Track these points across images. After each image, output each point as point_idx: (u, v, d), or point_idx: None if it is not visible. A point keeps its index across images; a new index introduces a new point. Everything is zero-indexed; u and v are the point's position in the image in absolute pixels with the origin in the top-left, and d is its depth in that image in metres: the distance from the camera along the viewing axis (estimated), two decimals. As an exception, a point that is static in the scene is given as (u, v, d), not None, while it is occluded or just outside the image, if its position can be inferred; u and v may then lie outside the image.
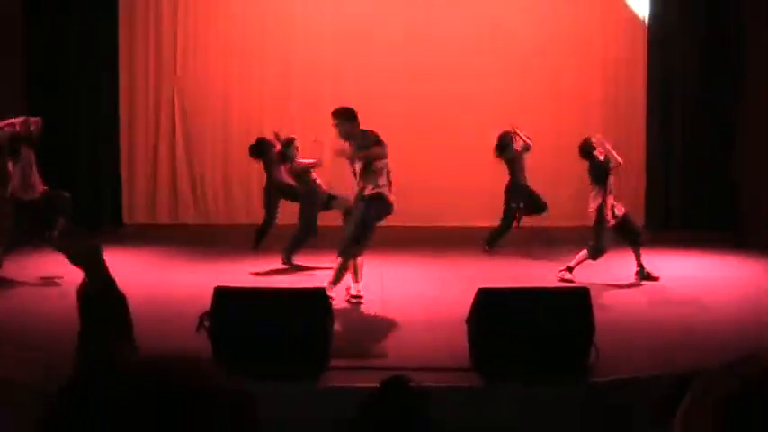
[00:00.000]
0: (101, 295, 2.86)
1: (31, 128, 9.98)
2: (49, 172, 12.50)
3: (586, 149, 9.90)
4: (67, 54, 14.30)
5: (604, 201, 9.66)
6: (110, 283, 2.95)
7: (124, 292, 2.94)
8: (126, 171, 15.01)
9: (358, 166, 8.56)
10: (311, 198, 10.95)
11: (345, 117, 8.70)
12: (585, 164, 10.03)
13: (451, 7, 15.04)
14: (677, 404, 1.15)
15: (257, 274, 10.08)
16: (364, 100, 14.77)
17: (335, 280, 8.38)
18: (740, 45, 14.09)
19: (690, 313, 8.20)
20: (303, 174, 11.01)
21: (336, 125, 8.70)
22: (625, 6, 15.05)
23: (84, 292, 2.88)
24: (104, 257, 3.15)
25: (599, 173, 9.74)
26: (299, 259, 10.75)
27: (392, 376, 3.57)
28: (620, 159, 9.84)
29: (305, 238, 10.85)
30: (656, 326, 7.71)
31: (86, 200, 14.08)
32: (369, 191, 8.50)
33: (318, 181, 11.14)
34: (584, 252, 9.75)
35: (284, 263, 10.66)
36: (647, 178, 14.86)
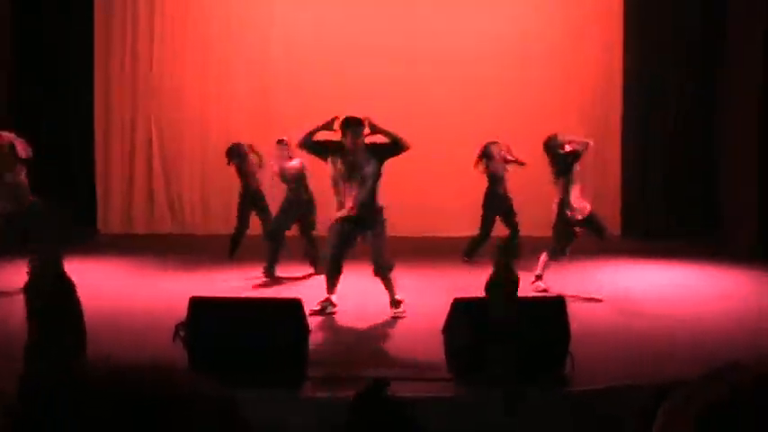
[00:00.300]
0: (50, 282, 2.82)
1: (22, 155, 9.98)
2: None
3: (552, 145, 9.75)
4: (43, 65, 14.24)
5: (566, 195, 9.58)
6: (60, 271, 2.91)
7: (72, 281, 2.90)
8: (102, 180, 14.94)
9: (355, 178, 8.41)
10: (289, 209, 10.87)
11: (359, 127, 8.47)
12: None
13: (435, 22, 15.07)
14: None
15: (234, 283, 10.04)
16: (345, 114, 14.82)
17: (394, 299, 8.43)
18: (720, 51, 14.21)
19: (667, 323, 8.23)
20: (297, 179, 10.88)
21: (352, 135, 8.42)
22: (600, 18, 15.13)
23: (33, 282, 2.84)
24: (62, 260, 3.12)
25: (562, 164, 9.60)
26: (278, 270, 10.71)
27: (372, 381, 3.55)
28: (587, 140, 9.84)
29: (277, 250, 10.79)
30: (632, 335, 7.73)
31: (61, 208, 14.06)
32: (379, 204, 8.51)
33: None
34: (544, 255, 9.70)
35: (266, 276, 10.58)
36: (625, 187, 14.94)
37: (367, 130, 8.53)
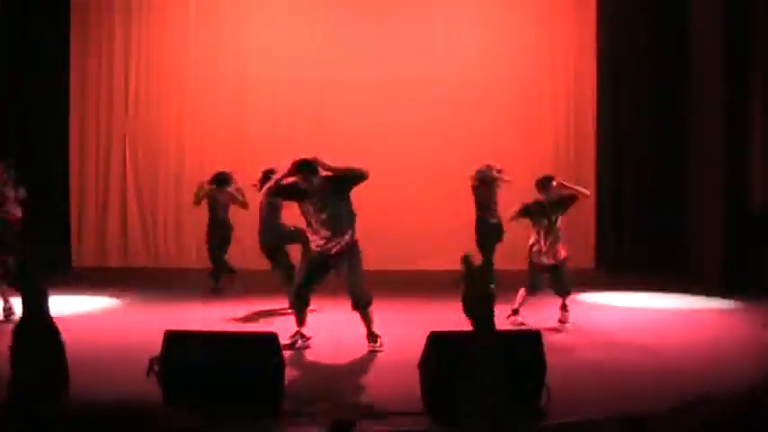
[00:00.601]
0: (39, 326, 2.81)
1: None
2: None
3: (543, 184, 9.81)
4: (18, 95, 14.22)
5: (537, 240, 9.68)
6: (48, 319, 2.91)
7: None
8: (76, 214, 14.89)
9: (324, 214, 8.36)
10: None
11: (313, 169, 8.37)
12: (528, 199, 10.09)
13: (413, 50, 15.20)
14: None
15: (209, 316, 9.99)
16: (320, 142, 14.87)
17: (371, 332, 8.43)
18: (686, 86, 14.40)
19: (640, 355, 8.26)
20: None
21: (307, 179, 8.32)
22: (575, 41, 15.31)
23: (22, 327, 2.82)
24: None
25: (537, 211, 9.71)
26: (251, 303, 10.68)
27: (339, 421, 3.56)
28: (585, 192, 9.93)
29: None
30: (607, 368, 7.75)
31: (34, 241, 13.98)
32: (353, 237, 8.46)
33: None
34: (521, 290, 9.76)
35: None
36: (598, 220, 15.06)
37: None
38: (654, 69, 14.76)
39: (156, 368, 6.12)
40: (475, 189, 12.11)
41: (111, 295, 11.70)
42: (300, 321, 8.49)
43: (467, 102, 15.14)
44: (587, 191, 10.11)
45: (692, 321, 10.24)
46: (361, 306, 8.33)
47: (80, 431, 1.24)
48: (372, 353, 8.27)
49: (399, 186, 14.78)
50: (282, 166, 8.46)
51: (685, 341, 8.98)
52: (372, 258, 14.17)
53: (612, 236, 14.97)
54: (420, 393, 6.33)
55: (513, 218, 9.90)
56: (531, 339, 6.50)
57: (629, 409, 6.09)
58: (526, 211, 9.73)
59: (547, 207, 9.67)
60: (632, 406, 6.23)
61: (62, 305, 10.00)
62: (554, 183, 9.77)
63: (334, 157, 13.92)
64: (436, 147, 14.99)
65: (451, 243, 13.78)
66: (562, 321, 9.63)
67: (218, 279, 11.86)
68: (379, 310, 10.40)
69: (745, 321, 10.19)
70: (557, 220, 9.70)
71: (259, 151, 14.98)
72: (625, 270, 14.29)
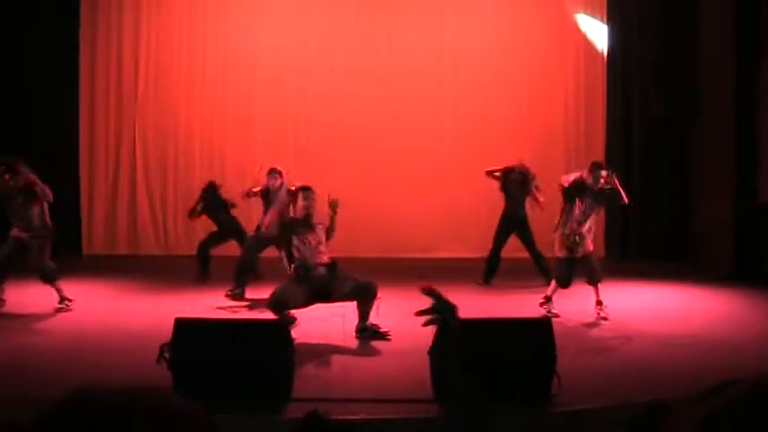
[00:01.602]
0: None
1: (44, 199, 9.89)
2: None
3: (593, 168, 9.69)
4: (28, 83, 14.25)
5: (560, 229, 9.61)
6: None
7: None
8: (86, 202, 14.92)
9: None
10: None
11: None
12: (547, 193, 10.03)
13: (424, 40, 15.16)
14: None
15: (219, 304, 10.00)
16: (330, 130, 14.90)
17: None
18: (697, 73, 14.33)
19: (651, 344, 8.25)
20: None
21: (309, 200, 8.70)
22: (586, 38, 15.26)
23: None
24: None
25: (578, 189, 9.58)
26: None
27: (310, 411, 3.54)
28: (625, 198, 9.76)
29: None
30: (616, 356, 7.75)
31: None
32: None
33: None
34: (553, 281, 9.72)
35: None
36: (607, 209, 15.00)
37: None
38: (665, 55, 14.68)
39: (166, 355, 6.13)
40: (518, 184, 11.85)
41: (120, 283, 11.72)
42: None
43: (478, 90, 15.11)
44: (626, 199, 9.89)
45: (703, 310, 10.20)
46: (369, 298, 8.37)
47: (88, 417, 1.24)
48: (381, 340, 8.28)
49: (412, 175, 14.79)
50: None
51: (697, 329, 8.95)
52: (387, 246, 14.33)
53: (622, 226, 14.91)
54: (430, 380, 6.33)
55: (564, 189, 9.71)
56: (542, 327, 6.49)
57: (638, 398, 6.10)
58: (570, 189, 9.57)
59: (591, 191, 9.52)
60: (643, 394, 6.23)
61: (73, 293, 10.03)
62: (603, 172, 9.62)
63: (346, 148, 14.02)
64: (451, 136, 14.97)
65: (466, 231, 13.80)
66: (603, 318, 9.37)
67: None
68: (392, 298, 10.43)
69: (758, 309, 10.16)
70: (595, 211, 9.62)
71: (268, 137, 15.02)
72: (635, 259, 14.26)
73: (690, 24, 14.40)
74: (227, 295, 10.46)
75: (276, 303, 7.96)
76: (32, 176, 9.81)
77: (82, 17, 14.84)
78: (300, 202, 8.86)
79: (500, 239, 11.82)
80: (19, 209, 9.74)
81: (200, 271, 11.96)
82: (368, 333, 8.34)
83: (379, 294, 8.58)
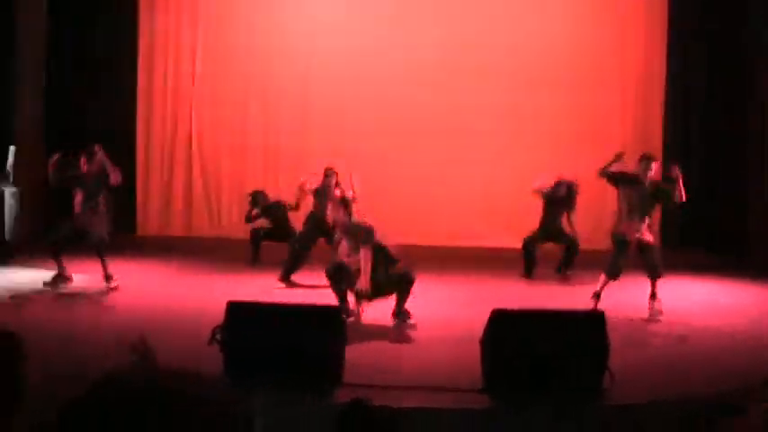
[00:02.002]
0: None
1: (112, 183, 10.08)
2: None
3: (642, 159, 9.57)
4: (87, 66, 14.47)
5: (619, 217, 9.49)
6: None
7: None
8: (142, 184, 15.08)
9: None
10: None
11: None
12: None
13: (463, 34, 15.06)
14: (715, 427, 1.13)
15: (272, 288, 10.06)
16: (385, 114, 14.89)
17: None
18: (755, 69, 14.07)
19: (703, 339, 8.13)
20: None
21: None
22: (642, 24, 15.06)
23: None
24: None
25: (628, 180, 9.45)
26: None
27: (353, 400, 3.54)
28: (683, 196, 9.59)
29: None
30: (670, 351, 7.65)
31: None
32: None
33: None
34: (602, 275, 9.54)
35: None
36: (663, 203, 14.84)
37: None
38: (724, 53, 14.44)
39: (218, 337, 6.18)
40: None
41: (174, 264, 11.83)
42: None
43: (528, 83, 14.95)
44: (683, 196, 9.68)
45: (758, 305, 10.02)
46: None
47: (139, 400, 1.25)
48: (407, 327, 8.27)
49: (459, 167, 14.74)
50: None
51: (752, 325, 8.80)
52: (439, 234, 14.32)
53: (677, 217, 14.72)
54: (481, 370, 6.30)
55: (603, 172, 9.59)
56: (594, 320, 6.43)
57: (692, 394, 6.02)
58: (616, 177, 9.48)
59: (642, 184, 9.36)
60: (696, 390, 6.15)
61: (128, 273, 10.16)
62: (653, 164, 9.45)
63: (402, 138, 14.01)
64: (503, 131, 14.87)
65: (515, 221, 13.71)
66: (658, 312, 9.12)
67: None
68: (442, 286, 10.43)
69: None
70: (651, 204, 9.51)
71: (324, 122, 15.02)
72: (689, 252, 14.07)
73: (749, 18, 14.13)
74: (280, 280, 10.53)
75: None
76: (105, 160, 9.97)
77: (141, 5, 14.97)
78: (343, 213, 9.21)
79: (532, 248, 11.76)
80: (90, 191, 9.90)
81: (252, 254, 12.05)
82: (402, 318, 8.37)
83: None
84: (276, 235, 12.07)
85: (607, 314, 6.54)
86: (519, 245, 11.88)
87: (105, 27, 14.64)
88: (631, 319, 8.88)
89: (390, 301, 8.44)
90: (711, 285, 11.31)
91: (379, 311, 8.69)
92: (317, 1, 15.17)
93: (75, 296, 9.46)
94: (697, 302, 10.04)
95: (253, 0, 15.24)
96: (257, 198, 12.31)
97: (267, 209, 12.22)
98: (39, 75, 14.06)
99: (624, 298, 9.69)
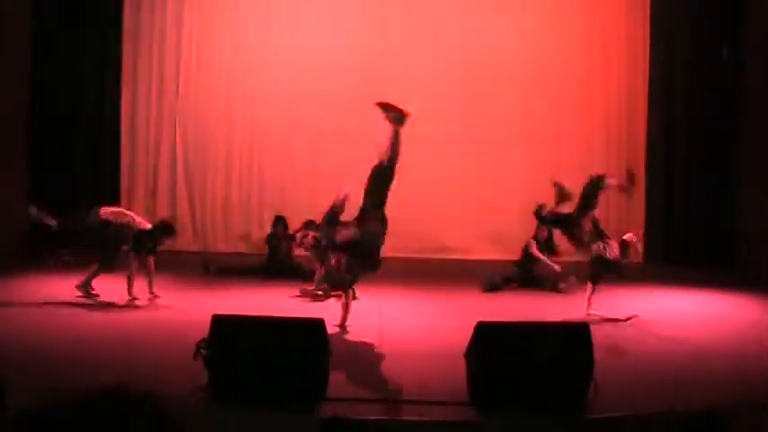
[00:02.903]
0: None
1: None
2: (51, 196, 12.71)
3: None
4: (69, 81, 14.42)
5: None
6: None
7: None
8: (126, 199, 15.03)
9: None
10: None
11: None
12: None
13: (456, 34, 15.13)
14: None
15: (256, 302, 10.03)
16: (370, 129, 14.90)
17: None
18: (742, 73, 14.18)
19: (691, 352, 8.14)
20: None
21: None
22: (625, 37, 15.16)
23: None
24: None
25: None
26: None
27: (333, 416, 3.55)
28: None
29: None
30: (655, 363, 7.65)
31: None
32: None
33: None
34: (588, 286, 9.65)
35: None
36: (647, 214, 14.89)
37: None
38: (708, 57, 14.53)
39: (203, 351, 6.15)
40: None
41: (159, 279, 11.76)
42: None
43: (515, 95, 15.04)
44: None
45: (745, 317, 10.05)
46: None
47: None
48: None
49: (448, 176, 14.76)
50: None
51: (739, 337, 8.82)
52: (425, 247, 14.35)
53: (662, 231, 14.79)
54: (466, 383, 6.30)
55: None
56: (579, 331, 6.43)
57: (676, 406, 6.02)
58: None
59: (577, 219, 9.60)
60: (681, 402, 6.15)
61: (112, 287, 10.10)
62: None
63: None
64: (487, 142, 14.92)
65: (500, 234, 13.75)
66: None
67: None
68: (427, 299, 10.42)
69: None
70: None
71: (309, 136, 15.03)
72: (674, 264, 14.12)
73: (735, 28, 14.24)
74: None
75: None
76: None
77: (125, 12, 14.95)
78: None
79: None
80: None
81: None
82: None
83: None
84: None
85: (592, 326, 6.55)
86: (505, 257, 11.95)
87: (88, 41, 14.61)
88: (616, 332, 8.90)
89: (378, 315, 8.45)
90: (699, 297, 11.34)
91: (363, 325, 8.69)
92: (306, 15, 15.18)
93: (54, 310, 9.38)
94: (684, 314, 10.06)
95: (238, 15, 15.24)
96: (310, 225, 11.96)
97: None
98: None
99: (611, 309, 9.72)
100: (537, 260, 11.58)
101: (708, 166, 14.54)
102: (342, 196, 9.12)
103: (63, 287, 10.16)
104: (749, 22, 13.94)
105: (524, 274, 11.67)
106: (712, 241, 14.30)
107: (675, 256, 14.52)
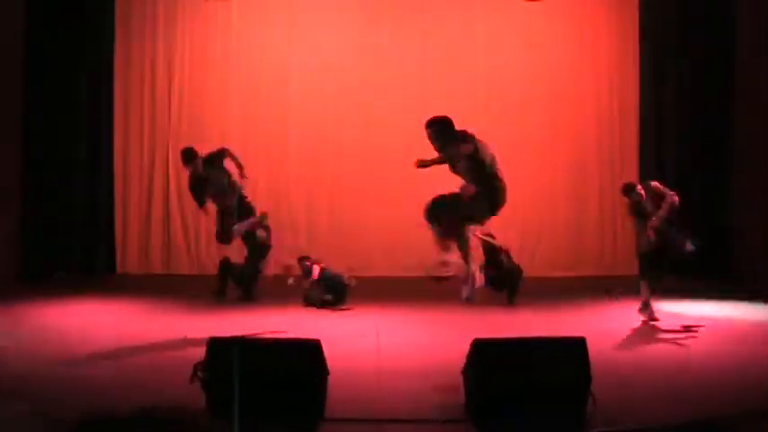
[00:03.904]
0: None
1: None
2: (45, 219, 12.75)
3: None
4: (63, 107, 14.46)
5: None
6: None
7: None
8: (120, 221, 15.03)
9: None
10: None
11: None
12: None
13: (447, 47, 15.20)
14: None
15: (252, 324, 10.00)
16: (362, 151, 14.96)
17: None
18: (732, 87, 14.24)
19: (688, 363, 8.14)
20: None
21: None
22: (617, 50, 15.24)
23: None
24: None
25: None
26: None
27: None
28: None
29: None
30: (654, 376, 7.65)
31: (81, 248, 14.33)
32: None
33: None
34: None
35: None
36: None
37: None
38: (698, 69, 14.61)
39: (199, 374, 6.14)
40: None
41: (154, 301, 11.75)
42: None
43: (510, 105, 15.11)
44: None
45: (744, 328, 10.04)
46: None
47: None
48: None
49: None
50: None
51: (738, 348, 8.80)
52: (417, 265, 14.33)
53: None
54: (463, 400, 6.29)
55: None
56: (575, 345, 6.43)
57: (675, 419, 6.02)
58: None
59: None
60: (682, 416, 6.15)
61: (107, 311, 10.09)
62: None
63: (385, 165, 14.04)
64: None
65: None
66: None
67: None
68: (423, 317, 10.42)
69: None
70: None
71: (302, 163, 15.07)
72: (671, 274, 14.13)
73: (728, 39, 14.32)
74: None
75: None
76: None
77: (116, 39, 15.00)
78: None
79: None
80: None
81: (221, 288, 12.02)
82: None
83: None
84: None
85: (589, 339, 6.54)
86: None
87: (78, 66, 14.64)
88: (615, 345, 8.90)
89: (376, 334, 8.41)
90: (697, 308, 11.32)
91: (359, 344, 8.69)
92: (299, 40, 15.23)
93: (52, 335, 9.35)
94: (683, 326, 10.05)
95: (231, 42, 15.30)
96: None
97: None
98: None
99: (607, 323, 9.73)
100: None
101: (703, 173, 14.59)
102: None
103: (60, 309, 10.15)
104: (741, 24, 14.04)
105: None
106: (709, 252, 14.33)
107: (671, 267, 14.53)
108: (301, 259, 11.68)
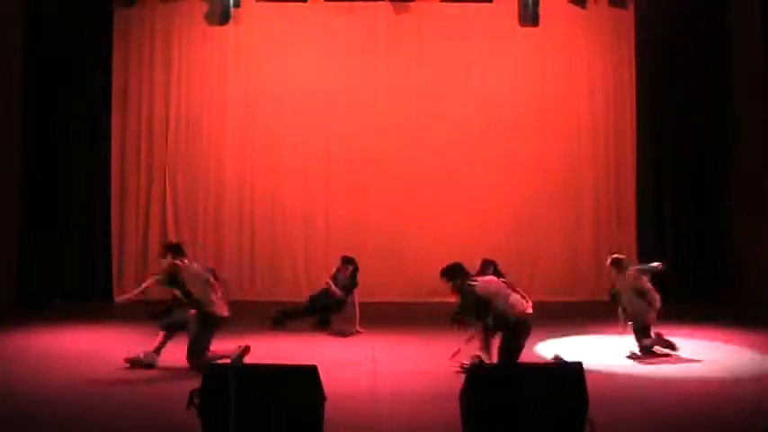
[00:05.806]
0: None
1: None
2: (42, 247, 12.72)
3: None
4: (60, 133, 14.51)
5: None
6: None
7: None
8: (117, 249, 15.02)
9: None
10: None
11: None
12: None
13: (445, 81, 15.28)
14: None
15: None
16: (356, 173, 15.01)
17: None
18: (730, 112, 14.31)
19: (686, 391, 8.12)
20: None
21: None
22: (612, 68, 15.31)
23: None
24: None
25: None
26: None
27: None
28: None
29: None
30: (651, 401, 7.64)
31: (77, 276, 14.30)
32: None
33: None
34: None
35: None
36: (639, 249, 14.94)
37: None
38: (695, 98, 14.70)
39: (196, 401, 6.12)
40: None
41: (151, 328, 11.71)
42: None
43: (504, 130, 15.19)
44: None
45: (743, 354, 10.03)
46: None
47: None
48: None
49: (446, 221, 14.87)
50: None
51: (737, 375, 8.78)
52: (416, 290, 14.35)
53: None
54: (460, 426, 6.27)
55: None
56: (573, 371, 6.41)
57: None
58: None
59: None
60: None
61: (104, 338, 10.05)
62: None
63: (365, 186, 14.02)
64: (480, 178, 15.02)
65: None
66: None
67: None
68: (420, 342, 10.39)
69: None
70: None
71: (298, 187, 15.10)
72: (668, 301, 14.12)
73: (723, 62, 14.42)
74: None
75: None
76: None
77: (114, 65, 15.07)
78: None
79: None
80: None
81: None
82: None
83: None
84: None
85: (586, 366, 6.53)
86: None
87: (76, 96, 14.70)
88: (612, 372, 8.88)
89: (373, 359, 8.37)
90: (694, 335, 11.30)
91: (355, 369, 8.66)
92: (294, 66, 15.30)
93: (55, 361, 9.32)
94: (681, 353, 10.04)
95: (224, 65, 15.37)
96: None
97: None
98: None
99: (604, 351, 9.72)
100: None
101: (701, 198, 14.64)
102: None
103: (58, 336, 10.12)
104: (734, 49, 14.12)
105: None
106: (707, 279, 14.37)
107: (668, 295, 14.54)
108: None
